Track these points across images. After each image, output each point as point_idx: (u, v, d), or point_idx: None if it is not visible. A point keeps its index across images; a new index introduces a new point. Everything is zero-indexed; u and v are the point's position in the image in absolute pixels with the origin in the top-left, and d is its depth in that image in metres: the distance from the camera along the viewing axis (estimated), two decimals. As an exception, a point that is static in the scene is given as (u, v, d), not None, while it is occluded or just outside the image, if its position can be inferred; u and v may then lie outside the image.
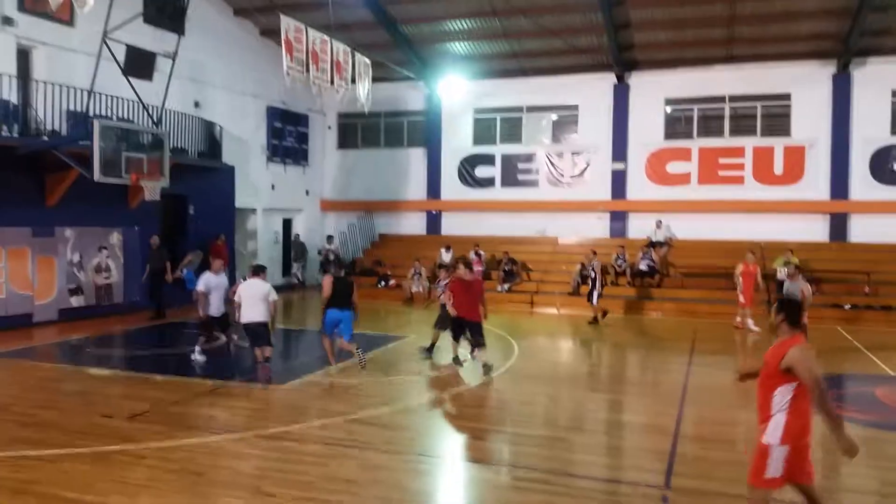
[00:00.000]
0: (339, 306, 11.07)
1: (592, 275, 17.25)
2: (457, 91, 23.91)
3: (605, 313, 17.13)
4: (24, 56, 15.60)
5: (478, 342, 11.12)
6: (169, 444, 7.35)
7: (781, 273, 18.77)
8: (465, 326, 11.18)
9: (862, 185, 20.72)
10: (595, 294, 17.12)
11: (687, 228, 21.84)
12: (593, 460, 7.43)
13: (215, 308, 11.44)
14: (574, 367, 13.39)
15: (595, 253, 18.16)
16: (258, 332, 10.38)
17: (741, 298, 16.38)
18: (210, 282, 11.36)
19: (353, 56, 17.77)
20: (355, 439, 7.62)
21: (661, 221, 21.63)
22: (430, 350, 12.23)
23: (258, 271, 10.82)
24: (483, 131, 24.75)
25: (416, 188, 25.33)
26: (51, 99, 14.74)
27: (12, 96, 14.34)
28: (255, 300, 10.34)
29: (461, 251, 22.13)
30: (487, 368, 10.87)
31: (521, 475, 6.73)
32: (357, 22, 21.11)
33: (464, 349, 11.49)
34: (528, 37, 21.89)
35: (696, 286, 19.81)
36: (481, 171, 24.56)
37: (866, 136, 20.64)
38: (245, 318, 10.36)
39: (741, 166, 21.77)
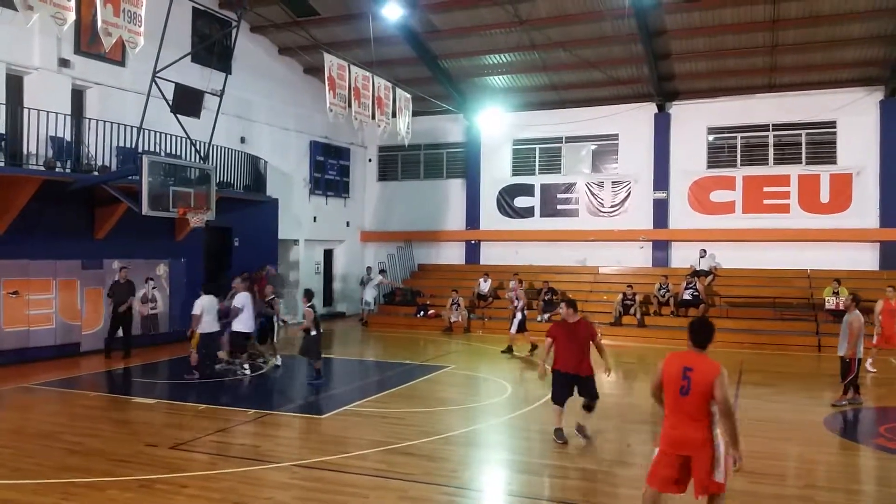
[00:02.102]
0: None
1: (516, 303, 17.04)
2: (496, 123, 24.07)
3: (533, 347, 16.38)
4: (77, 95, 16.25)
5: (590, 405, 9.05)
6: (211, 473, 7.42)
7: (829, 303, 18.35)
8: (574, 384, 9.01)
9: (913, 212, 20.15)
10: (515, 322, 16.70)
11: (731, 258, 21.50)
12: (638, 495, 7.22)
13: (246, 325, 13.36)
14: (617, 397, 13.14)
15: (518, 277, 18.75)
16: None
17: (874, 339, 14.43)
18: (241, 301, 13.35)
19: (394, 91, 18.11)
20: (395, 470, 7.58)
21: (705, 251, 21.31)
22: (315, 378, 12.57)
23: (209, 290, 13.09)
24: (522, 162, 24.82)
25: (455, 218, 25.45)
26: (102, 136, 15.28)
27: (66, 134, 14.90)
28: (212, 314, 12.77)
29: (499, 280, 22.18)
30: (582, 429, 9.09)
31: (564, 509, 6.61)
32: (398, 58, 21.53)
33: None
34: (567, 69, 22.01)
35: (741, 316, 19.37)
36: (520, 202, 24.57)
37: (917, 163, 20.12)
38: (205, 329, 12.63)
39: (786, 195, 21.37)
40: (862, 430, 10.10)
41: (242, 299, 13.33)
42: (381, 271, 23.78)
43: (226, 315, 13.30)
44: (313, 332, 12.69)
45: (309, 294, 13.16)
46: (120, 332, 15.01)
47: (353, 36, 20.33)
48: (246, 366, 13.38)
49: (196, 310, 12.66)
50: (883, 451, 8.83)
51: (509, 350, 16.72)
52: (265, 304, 14.58)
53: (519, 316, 16.80)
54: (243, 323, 13.27)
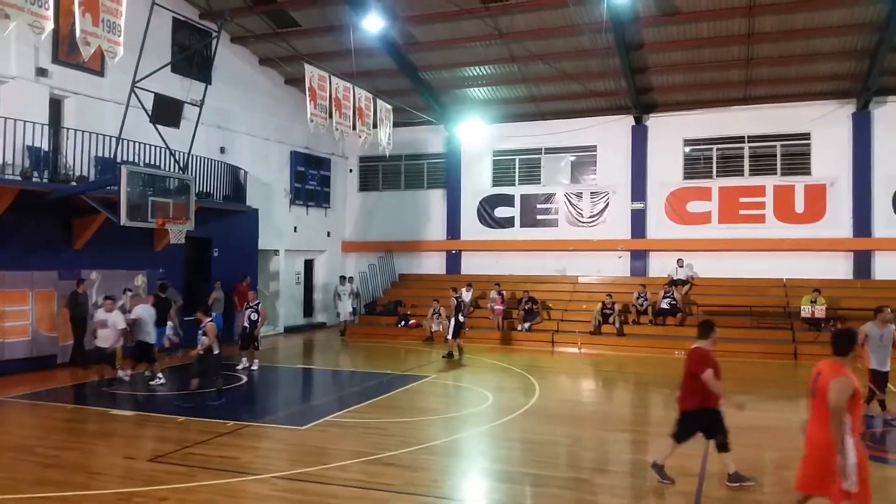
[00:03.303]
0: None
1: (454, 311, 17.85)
2: (476, 134, 24.21)
3: (460, 351, 17.39)
4: (55, 105, 16.12)
5: (724, 443, 7.73)
6: (190, 485, 7.36)
7: (805, 311, 18.64)
8: (706, 419, 7.71)
9: (885, 222, 20.53)
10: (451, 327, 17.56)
11: (708, 267, 21.76)
12: (619, 503, 7.32)
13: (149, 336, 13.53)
14: (597, 406, 13.25)
15: (454, 290, 19.22)
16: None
17: None
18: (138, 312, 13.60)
19: (375, 102, 18.18)
20: (376, 481, 7.58)
21: (682, 260, 21.55)
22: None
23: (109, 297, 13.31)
24: (502, 172, 24.97)
25: (435, 229, 25.52)
26: (80, 146, 15.16)
27: (44, 143, 14.76)
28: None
29: (480, 290, 22.24)
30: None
31: (544, 517, 6.65)
32: (379, 69, 21.60)
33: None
34: (546, 81, 22.22)
35: (718, 325, 19.48)
36: (500, 212, 24.71)
37: (888, 174, 20.52)
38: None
39: (762, 205, 21.70)
40: (837, 437, 10.23)
41: (141, 311, 13.50)
42: (349, 279, 23.60)
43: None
44: (216, 351, 11.78)
45: (206, 309, 12.51)
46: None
47: (334, 47, 20.38)
48: (160, 375, 13.41)
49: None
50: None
51: (450, 355, 17.29)
52: (250, 308, 15.12)
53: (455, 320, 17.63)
54: (146, 334, 13.42)
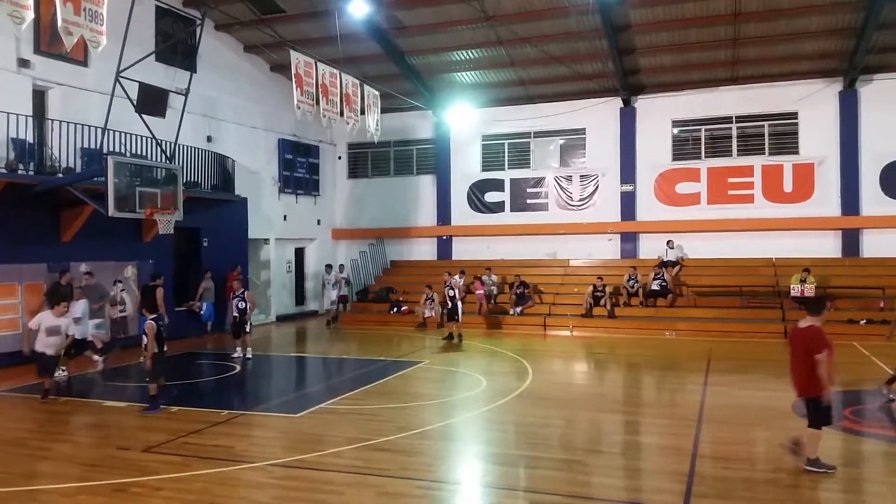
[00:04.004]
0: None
1: (453, 293, 18.08)
2: (465, 119, 24.13)
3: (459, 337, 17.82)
4: (39, 96, 15.93)
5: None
6: (185, 474, 7.37)
7: (795, 290, 18.78)
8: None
9: (872, 200, 20.66)
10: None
11: (698, 248, 21.87)
12: (612, 483, 7.37)
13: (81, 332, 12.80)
14: (589, 388, 13.33)
15: (450, 274, 19.41)
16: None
17: None
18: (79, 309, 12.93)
19: (362, 88, 18.06)
20: (371, 466, 7.61)
21: (672, 241, 21.63)
22: None
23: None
24: (491, 157, 24.93)
25: (426, 215, 25.48)
26: (66, 137, 15.01)
27: (28, 135, 14.62)
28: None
29: (472, 275, 22.27)
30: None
31: (540, 500, 6.69)
32: (366, 55, 21.46)
33: None
34: (534, 65, 22.14)
35: (708, 305, 19.72)
36: (491, 197, 24.69)
37: (875, 152, 20.62)
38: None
39: (750, 185, 21.78)
40: (827, 414, 10.33)
41: (81, 307, 13.20)
42: (340, 266, 23.42)
43: None
44: (155, 350, 10.41)
45: (152, 304, 11.14)
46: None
47: (320, 33, 20.22)
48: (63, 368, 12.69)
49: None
50: (848, 433, 9.09)
51: (449, 337, 17.87)
52: (237, 297, 15.12)
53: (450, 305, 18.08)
54: (79, 330, 12.82)
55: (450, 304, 18.02)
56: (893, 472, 7.44)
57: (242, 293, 15.21)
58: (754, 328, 18.23)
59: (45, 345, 11.34)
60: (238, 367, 14.24)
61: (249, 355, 14.91)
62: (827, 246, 21.06)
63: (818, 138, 21.20)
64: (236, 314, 15.04)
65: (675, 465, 7.62)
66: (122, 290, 16.60)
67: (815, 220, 21.07)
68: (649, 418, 10.48)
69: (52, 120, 15.28)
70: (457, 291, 18.21)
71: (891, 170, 20.54)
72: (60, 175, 14.81)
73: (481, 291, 21.29)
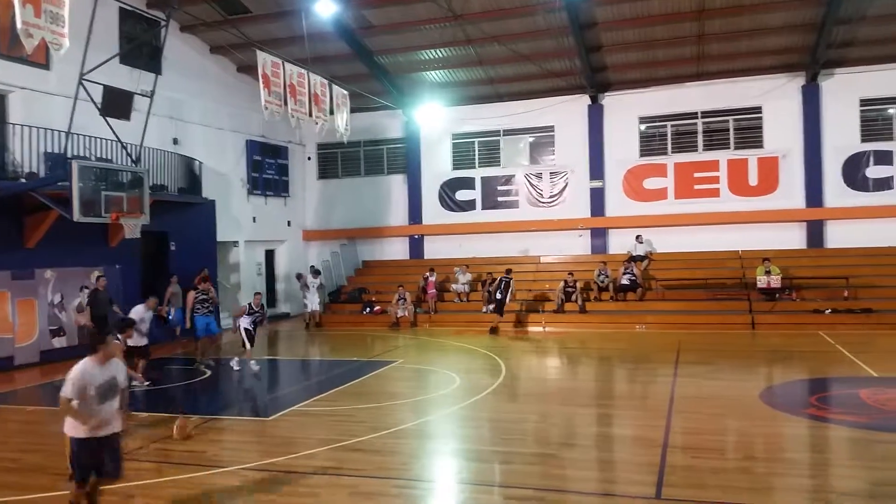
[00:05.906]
0: None
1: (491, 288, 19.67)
2: (435, 117, 24.14)
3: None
4: (0, 100, 15.61)
5: None
6: (158, 481, 7.29)
7: (761, 282, 19.10)
8: None
9: (835, 192, 21.11)
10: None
11: (666, 242, 22.16)
12: (585, 475, 7.45)
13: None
14: (562, 382, 13.44)
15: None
16: None
17: None
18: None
19: (331, 88, 17.95)
20: (345, 467, 7.60)
21: (640, 236, 21.88)
22: None
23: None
24: (462, 156, 24.98)
25: (397, 214, 25.46)
26: (28, 141, 14.73)
27: (-11, 140, 14.33)
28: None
29: (444, 274, 22.32)
30: None
31: (514, 494, 6.74)
32: (334, 54, 21.36)
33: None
34: (502, 63, 22.23)
35: (676, 298, 19.99)
36: (462, 195, 24.75)
37: (837, 145, 21.08)
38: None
39: (716, 179, 22.12)
40: (795, 402, 10.57)
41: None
42: (317, 272, 23.22)
43: None
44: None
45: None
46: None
47: (287, 33, 20.07)
48: None
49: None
50: (814, 420, 9.30)
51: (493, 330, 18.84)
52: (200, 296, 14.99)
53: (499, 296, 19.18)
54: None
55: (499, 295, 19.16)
56: (858, 457, 7.61)
57: (207, 292, 15.03)
58: (722, 320, 18.53)
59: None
60: (209, 372, 14.09)
61: (256, 365, 14.19)
62: (792, 238, 21.47)
63: (782, 132, 21.60)
64: (249, 327, 14.13)
65: (647, 456, 7.72)
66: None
67: (780, 212, 21.47)
68: (621, 411, 10.62)
69: (14, 124, 14.97)
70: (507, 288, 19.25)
71: (852, 162, 21.02)
72: (23, 180, 14.53)
73: (433, 290, 21.42)
